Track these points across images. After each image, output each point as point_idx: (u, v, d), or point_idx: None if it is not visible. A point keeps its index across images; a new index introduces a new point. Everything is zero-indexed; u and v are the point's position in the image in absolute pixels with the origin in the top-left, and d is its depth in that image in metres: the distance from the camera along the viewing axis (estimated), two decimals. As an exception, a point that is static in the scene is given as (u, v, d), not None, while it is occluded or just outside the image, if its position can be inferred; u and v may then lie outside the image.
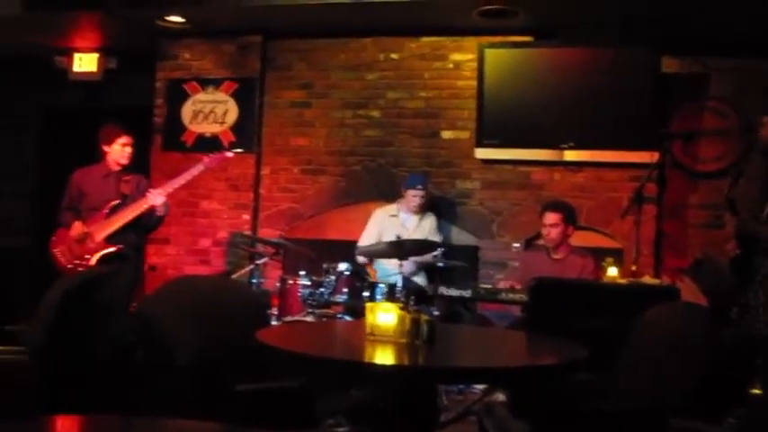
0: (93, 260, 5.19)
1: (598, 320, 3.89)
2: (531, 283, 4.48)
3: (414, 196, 6.14)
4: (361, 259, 6.13)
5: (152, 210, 5.29)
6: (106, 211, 5.28)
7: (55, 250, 5.31)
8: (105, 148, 5.41)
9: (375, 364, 2.74)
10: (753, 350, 3.57)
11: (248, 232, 6.94)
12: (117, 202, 5.33)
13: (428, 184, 6.31)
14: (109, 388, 3.09)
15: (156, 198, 5.24)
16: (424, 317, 2.85)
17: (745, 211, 3.85)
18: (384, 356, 2.80)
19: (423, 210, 6.23)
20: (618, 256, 5.72)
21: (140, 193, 5.38)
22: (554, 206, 5.60)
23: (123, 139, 5.38)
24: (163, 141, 7.23)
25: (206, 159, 5.53)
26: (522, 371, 2.72)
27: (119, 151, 5.38)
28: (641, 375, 3.06)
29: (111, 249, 5.23)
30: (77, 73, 7.58)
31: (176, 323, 3.00)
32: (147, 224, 5.46)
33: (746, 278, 3.66)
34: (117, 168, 5.42)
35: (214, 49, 7.18)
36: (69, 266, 5.22)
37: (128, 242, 5.33)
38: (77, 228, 5.25)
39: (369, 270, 6.07)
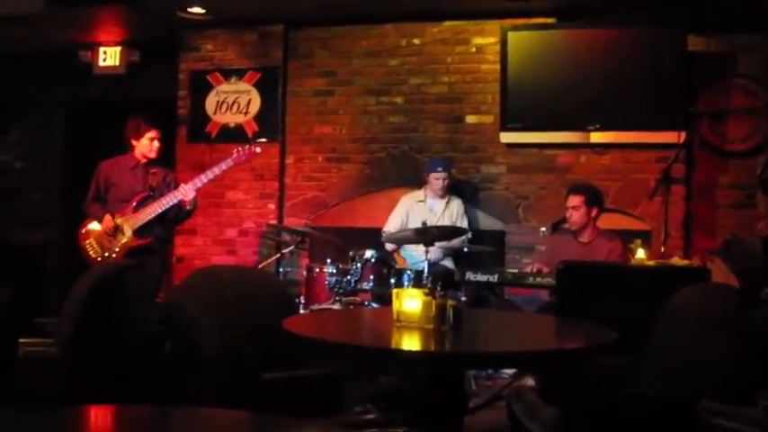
0: (122, 253, 5.21)
1: (627, 303, 3.84)
2: (558, 266, 4.44)
3: (436, 179, 6.13)
4: (389, 246, 6.13)
5: (182, 203, 5.31)
6: (135, 203, 5.30)
7: (84, 243, 5.33)
8: (133, 142, 5.43)
9: (402, 351, 2.73)
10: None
11: (274, 222, 6.96)
12: (146, 194, 5.35)
13: (451, 167, 6.28)
14: (137, 378, 3.11)
15: (188, 192, 5.27)
16: (450, 302, 2.84)
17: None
18: (411, 342, 2.80)
19: (447, 193, 6.22)
20: (646, 238, 5.67)
21: (167, 186, 5.41)
22: (576, 189, 5.56)
23: (152, 134, 5.40)
24: (188, 133, 7.26)
25: (234, 154, 5.53)
26: (548, 354, 2.70)
27: (147, 145, 5.40)
28: (671, 358, 3.03)
29: (140, 242, 5.25)
30: (102, 67, 7.63)
31: (202, 313, 3.02)
32: (175, 217, 5.49)
33: (778, 258, 3.59)
34: (144, 161, 5.43)
35: (236, 40, 7.19)
36: (99, 259, 5.25)
37: (155, 235, 5.36)
38: (107, 221, 5.27)
39: (397, 257, 6.06)
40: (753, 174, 4.52)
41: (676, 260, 4.71)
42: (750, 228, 5.49)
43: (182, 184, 5.34)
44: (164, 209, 5.28)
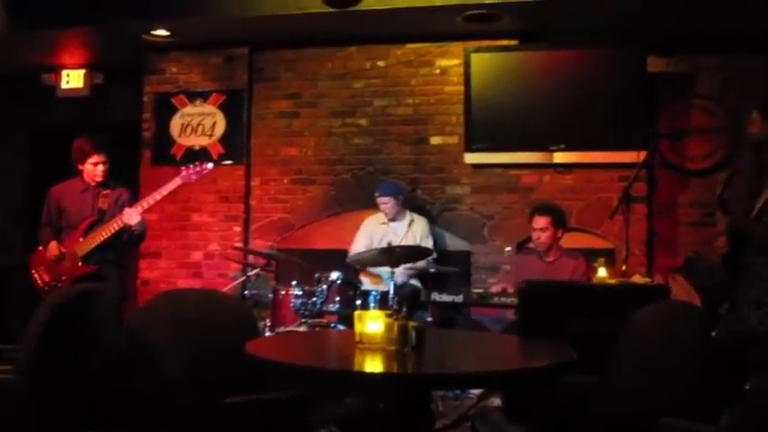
0: (68, 282, 5.01)
1: (589, 321, 3.88)
2: (521, 285, 4.47)
3: (381, 204, 6.18)
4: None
5: (128, 228, 5.08)
6: (83, 228, 5.12)
7: (32, 271, 5.17)
8: (79, 166, 5.23)
9: (363, 373, 2.73)
10: (744, 347, 3.56)
11: (240, 244, 6.93)
12: (94, 219, 5.15)
13: (398, 192, 6.24)
14: (100, 405, 3.07)
15: (132, 217, 5.02)
16: (412, 323, 2.85)
17: (736, 208, 3.85)
18: (372, 365, 2.80)
19: (399, 215, 6.24)
20: (610, 257, 5.72)
21: (119, 208, 5.15)
22: (542, 210, 5.61)
23: (95, 159, 5.16)
24: (152, 155, 7.22)
25: (183, 172, 5.29)
26: (510, 374, 2.71)
27: (91, 170, 5.18)
28: (633, 375, 3.06)
29: (86, 271, 5.04)
30: (65, 90, 7.56)
31: (164, 337, 2.99)
32: (128, 241, 5.24)
33: (737, 275, 3.65)
34: (94, 183, 5.23)
35: (201, 62, 7.18)
36: (45, 288, 5.08)
37: (106, 260, 5.13)
38: (52, 248, 5.10)
39: (368, 277, 6.04)
40: (713, 192, 4.60)
41: (637, 278, 4.76)
42: (710, 245, 5.57)
43: (126, 209, 5.07)
44: (110, 234, 5.05)
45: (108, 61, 7.45)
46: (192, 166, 5.36)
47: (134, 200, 5.31)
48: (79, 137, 5.28)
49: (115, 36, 6.78)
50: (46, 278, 5.13)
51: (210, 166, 5.49)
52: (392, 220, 6.22)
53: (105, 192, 5.24)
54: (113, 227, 5.06)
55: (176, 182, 5.22)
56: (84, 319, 3.34)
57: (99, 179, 5.21)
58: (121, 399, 3.11)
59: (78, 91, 7.55)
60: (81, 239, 5.10)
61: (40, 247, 5.24)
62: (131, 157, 7.06)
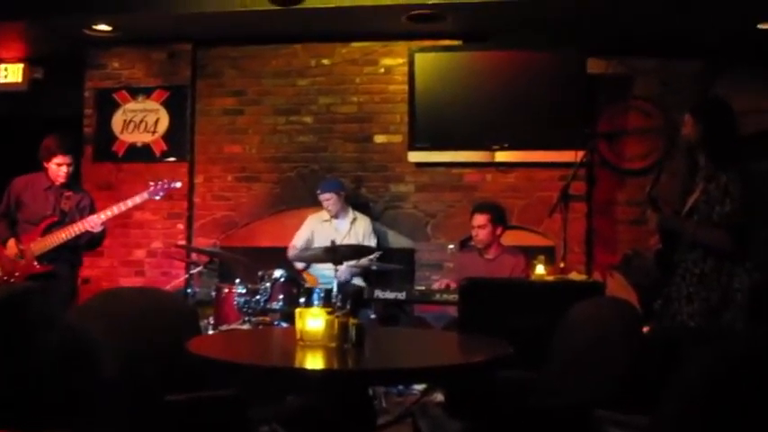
0: (21, 278, 5.01)
1: (527, 318, 3.96)
2: (462, 283, 4.54)
3: (323, 200, 6.21)
4: (299, 265, 6.15)
5: (89, 233, 5.14)
6: (42, 227, 5.12)
7: None
8: (44, 164, 5.23)
9: (304, 369, 2.76)
10: (676, 341, 3.67)
11: (183, 242, 6.87)
12: (55, 219, 5.16)
13: (339, 189, 6.28)
14: (42, 405, 3.03)
15: (96, 226, 5.10)
16: (353, 320, 2.88)
17: (668, 206, 3.96)
18: (313, 361, 2.82)
19: (343, 212, 6.28)
20: (550, 254, 5.83)
21: (80, 212, 5.22)
22: (481, 208, 5.69)
23: (59, 159, 5.15)
24: (93, 152, 7.11)
25: (151, 188, 5.34)
26: (448, 369, 2.76)
27: (54, 170, 5.18)
28: (567, 370, 3.14)
29: (41, 270, 5.07)
30: (3, 84, 7.41)
31: (102, 335, 2.97)
32: (88, 244, 5.30)
33: (670, 271, 3.75)
34: (58, 183, 5.23)
35: (143, 58, 7.10)
36: None
37: (62, 258, 5.18)
38: (11, 246, 5.09)
39: (307, 276, 6.07)
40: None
41: (574, 275, 4.87)
42: (646, 243, 5.72)
43: (89, 216, 5.14)
44: (70, 237, 5.10)
45: (48, 55, 7.31)
46: (160, 182, 5.41)
47: (94, 206, 5.37)
48: (50, 135, 5.26)
49: (55, 30, 6.67)
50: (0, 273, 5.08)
51: (179, 185, 5.61)
52: (335, 217, 6.25)
53: (68, 193, 5.27)
54: (74, 230, 5.10)
55: (143, 196, 5.32)
56: (18, 318, 3.29)
57: (61, 180, 5.22)
58: (58, 399, 3.08)
59: (17, 85, 7.41)
60: (39, 238, 5.11)
61: None
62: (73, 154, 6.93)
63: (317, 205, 6.37)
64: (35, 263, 5.09)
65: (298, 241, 6.27)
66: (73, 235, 5.11)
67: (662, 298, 3.74)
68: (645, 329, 3.63)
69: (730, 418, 1.82)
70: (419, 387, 5.11)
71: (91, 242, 5.31)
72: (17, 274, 5.07)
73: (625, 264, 6.27)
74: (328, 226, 6.26)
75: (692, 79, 6.46)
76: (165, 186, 5.40)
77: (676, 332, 3.62)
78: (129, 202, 5.26)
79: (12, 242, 5.12)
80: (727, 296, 3.49)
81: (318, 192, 6.24)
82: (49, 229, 5.14)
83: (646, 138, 6.58)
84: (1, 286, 4.93)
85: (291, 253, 6.21)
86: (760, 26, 5.95)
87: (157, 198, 5.45)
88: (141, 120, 7.08)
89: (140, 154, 7.02)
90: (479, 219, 5.60)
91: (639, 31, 6.22)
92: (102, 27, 6.61)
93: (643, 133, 6.58)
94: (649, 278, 4.71)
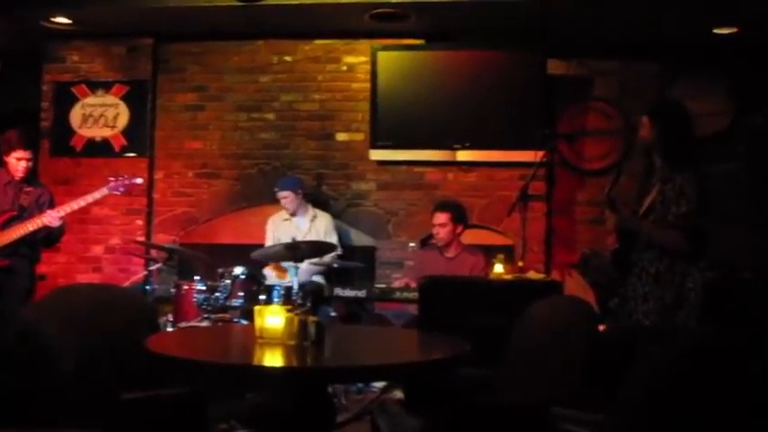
0: None
1: (486, 316, 4.00)
2: (421, 281, 4.56)
3: (281, 198, 6.19)
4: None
5: (47, 229, 5.09)
6: (0, 223, 5.06)
7: None
8: (4, 158, 5.17)
9: (263, 367, 2.75)
10: (632, 340, 3.73)
11: (142, 238, 6.81)
12: (13, 214, 5.10)
13: (297, 186, 6.24)
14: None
15: (54, 220, 5.03)
16: (312, 318, 2.88)
17: (625, 207, 4.02)
18: (272, 359, 2.82)
19: (300, 210, 6.26)
20: (509, 253, 5.89)
21: (39, 208, 5.16)
22: (442, 206, 5.73)
23: (18, 154, 5.11)
24: (51, 146, 7.02)
25: (111, 183, 5.29)
26: (406, 366, 2.78)
27: (13, 165, 5.13)
28: (524, 368, 3.17)
29: None
30: (-42, 76, 7.29)
31: (58, 332, 2.94)
32: (46, 239, 5.25)
33: (626, 271, 3.81)
34: (17, 178, 5.18)
35: (103, 52, 7.02)
36: None
37: (20, 254, 5.12)
38: None
39: (273, 270, 6.02)
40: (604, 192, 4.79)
41: (532, 274, 4.92)
42: (604, 242, 5.79)
43: (48, 211, 5.07)
44: (28, 232, 5.03)
45: (5, 48, 7.19)
46: (120, 178, 5.37)
47: (54, 201, 5.31)
48: (10, 129, 5.21)
49: (14, 22, 6.55)
50: None
51: (140, 181, 5.57)
52: (293, 215, 6.23)
53: (28, 189, 5.22)
54: (31, 226, 5.04)
55: (103, 191, 5.26)
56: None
57: (20, 175, 5.17)
58: (12, 396, 3.04)
59: (-27, 78, 7.28)
60: None
61: None
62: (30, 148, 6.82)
63: (278, 203, 6.35)
64: None
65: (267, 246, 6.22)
66: (31, 230, 5.05)
67: (618, 297, 3.80)
68: (601, 328, 3.69)
69: (681, 415, 1.86)
70: (378, 385, 5.13)
71: (48, 238, 5.25)
72: None
73: (583, 263, 6.35)
74: (289, 224, 6.24)
75: (650, 81, 6.56)
76: (126, 182, 5.36)
77: (632, 331, 3.68)
78: (89, 198, 5.22)
79: None
80: (681, 295, 3.56)
81: (276, 189, 6.22)
82: (7, 224, 5.08)
83: (605, 138, 6.67)
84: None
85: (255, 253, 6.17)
86: (716, 31, 6.06)
87: (117, 193, 5.41)
88: (100, 114, 7.00)
89: (99, 149, 6.94)
90: (440, 217, 5.63)
91: (599, 33, 6.31)
92: (62, 20, 6.52)
93: (602, 134, 6.67)
94: (606, 277, 4.77)
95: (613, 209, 3.88)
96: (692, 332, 3.41)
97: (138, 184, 5.56)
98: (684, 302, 3.55)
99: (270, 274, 6.03)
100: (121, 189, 5.36)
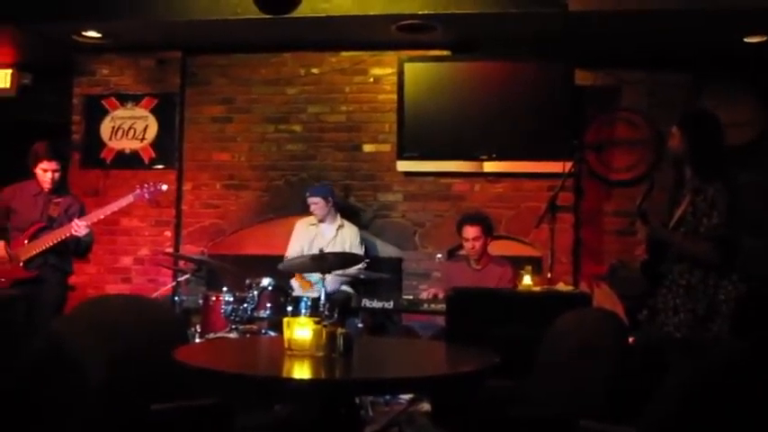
0: (8, 283, 5.02)
1: (514, 328, 3.98)
2: (449, 292, 4.55)
3: (310, 204, 6.20)
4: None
5: (75, 238, 5.12)
6: (30, 233, 5.12)
7: None
8: (33, 169, 5.23)
9: (291, 379, 2.75)
10: (662, 352, 3.69)
11: (170, 249, 6.86)
12: (42, 225, 5.15)
13: (328, 194, 6.25)
14: (24, 412, 3.02)
15: (80, 230, 5.05)
16: (340, 330, 2.89)
17: (656, 218, 3.98)
18: (301, 371, 2.82)
19: (329, 218, 6.26)
20: (537, 265, 5.85)
21: (68, 218, 5.19)
22: (472, 220, 5.68)
23: (45, 165, 5.16)
24: (81, 158, 7.09)
25: (137, 191, 5.32)
26: (434, 379, 2.77)
27: (41, 176, 5.19)
28: (554, 380, 3.15)
29: (27, 275, 5.07)
30: (-9, 89, 7.40)
31: (89, 343, 2.96)
32: (75, 250, 5.28)
33: (656, 282, 3.77)
34: (46, 189, 5.23)
35: (133, 65, 7.09)
36: None
37: (49, 264, 5.16)
38: (0, 249, 5.09)
39: (301, 281, 6.03)
40: (635, 202, 4.76)
41: (561, 286, 4.89)
42: (632, 253, 5.74)
43: (75, 220, 5.10)
44: (56, 242, 5.08)
45: (37, 61, 7.30)
46: (146, 185, 5.39)
47: (84, 211, 5.33)
48: (39, 141, 5.26)
49: (45, 36, 6.65)
50: None
51: (165, 187, 5.53)
52: (321, 221, 6.24)
53: (57, 199, 5.26)
54: (60, 236, 5.09)
55: (128, 198, 5.30)
56: (9, 325, 3.28)
57: (47, 186, 5.23)
58: (43, 408, 3.06)
59: (5, 91, 7.39)
60: (25, 243, 5.10)
61: None
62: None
63: (305, 213, 6.36)
64: (20, 267, 5.08)
65: (291, 251, 6.24)
66: (58, 239, 5.09)
67: (648, 309, 3.76)
68: (631, 340, 3.65)
69: (713, 429, 1.84)
70: (406, 396, 5.11)
71: (78, 247, 5.27)
72: (2, 279, 5.07)
73: (611, 274, 6.30)
74: (314, 230, 6.26)
75: (679, 91, 6.50)
76: (151, 189, 5.37)
77: (662, 343, 3.64)
78: (115, 206, 5.25)
79: (1, 244, 5.12)
80: (713, 307, 3.51)
81: (307, 194, 6.24)
82: (35, 235, 5.14)
83: (633, 149, 6.61)
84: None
85: (282, 264, 6.17)
86: (746, 39, 6.00)
87: (146, 198, 5.40)
88: (130, 127, 7.07)
89: (128, 161, 7.01)
90: (472, 231, 5.60)
91: (627, 42, 6.26)
92: (92, 34, 6.60)
93: (630, 144, 6.61)
94: (635, 289, 4.73)
95: (645, 221, 3.83)
96: (725, 345, 3.37)
97: (163, 191, 5.53)
98: (717, 315, 3.50)
99: (295, 284, 6.04)
100: (147, 196, 5.37)
